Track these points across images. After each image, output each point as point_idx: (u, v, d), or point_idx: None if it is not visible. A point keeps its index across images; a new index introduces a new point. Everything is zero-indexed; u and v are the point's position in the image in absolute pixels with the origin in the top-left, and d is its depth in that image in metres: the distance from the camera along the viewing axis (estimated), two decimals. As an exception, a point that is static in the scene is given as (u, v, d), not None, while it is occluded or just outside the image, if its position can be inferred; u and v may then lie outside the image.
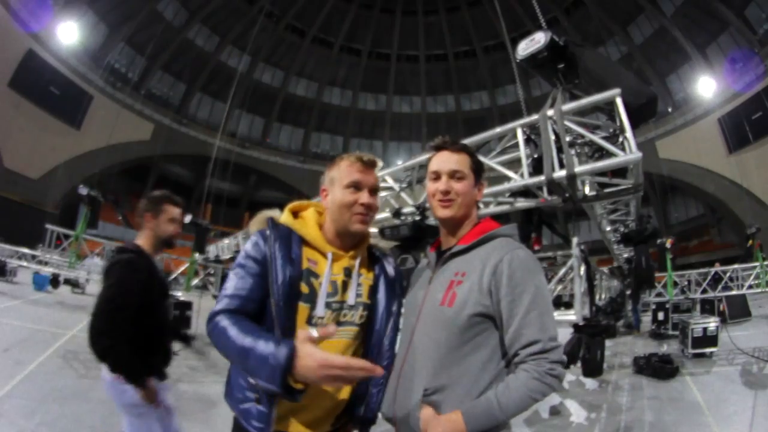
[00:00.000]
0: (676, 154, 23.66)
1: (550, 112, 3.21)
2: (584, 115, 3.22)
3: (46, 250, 8.12)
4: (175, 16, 28.06)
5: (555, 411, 5.13)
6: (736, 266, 10.88)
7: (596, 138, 2.97)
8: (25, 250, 10.42)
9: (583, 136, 3.22)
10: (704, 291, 10.81)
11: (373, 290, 1.44)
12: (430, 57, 34.82)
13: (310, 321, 1.30)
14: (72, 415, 3.79)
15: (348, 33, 33.33)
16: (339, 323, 1.33)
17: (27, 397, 4.18)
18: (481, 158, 4.02)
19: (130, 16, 25.64)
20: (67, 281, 12.91)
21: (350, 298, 1.37)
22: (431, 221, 4.37)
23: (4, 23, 19.53)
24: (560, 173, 2.94)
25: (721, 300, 10.99)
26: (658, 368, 6.81)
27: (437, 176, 1.39)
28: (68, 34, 22.73)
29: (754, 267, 10.52)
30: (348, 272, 1.40)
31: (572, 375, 6.08)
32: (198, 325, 8.80)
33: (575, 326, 4.71)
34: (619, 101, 2.93)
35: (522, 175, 3.27)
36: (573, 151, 3.09)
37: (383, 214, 4.81)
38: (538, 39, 3.22)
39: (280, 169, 32.96)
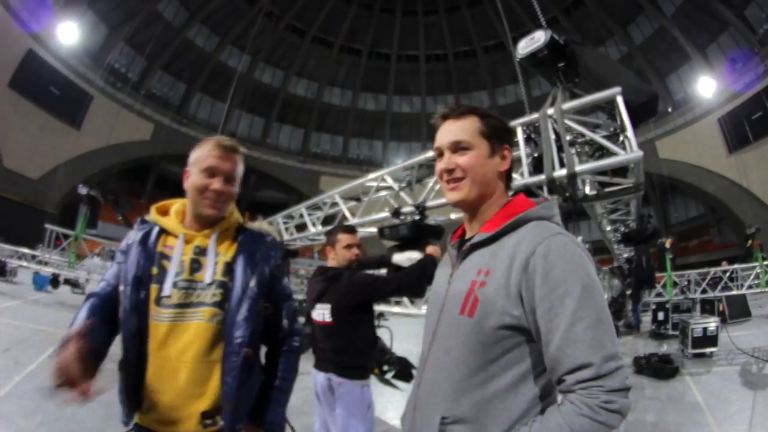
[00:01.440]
0: (676, 154, 23.67)
1: (550, 111, 3.19)
2: (584, 114, 3.21)
3: (45, 250, 8.12)
4: (175, 16, 28.08)
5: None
6: (736, 266, 10.88)
7: (597, 137, 2.96)
8: (25, 250, 10.42)
9: (583, 135, 3.21)
10: (704, 291, 10.81)
11: (228, 268, 1.36)
12: (430, 57, 34.88)
13: (158, 301, 1.30)
14: (71, 416, 3.78)
15: (348, 33, 33.36)
16: (189, 304, 1.31)
17: (27, 397, 4.17)
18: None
19: (131, 16, 25.68)
20: (67, 281, 12.92)
21: (206, 277, 1.33)
22: (431, 221, 4.32)
23: (4, 23, 19.56)
24: (561, 172, 2.92)
25: (720, 300, 10.99)
26: (659, 368, 6.80)
27: (440, 153, 1.12)
28: (68, 34, 22.78)
29: (754, 267, 10.52)
30: (199, 251, 1.38)
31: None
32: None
33: None
34: (619, 100, 2.92)
35: (522, 174, 3.24)
36: (573, 151, 3.07)
37: (382, 214, 4.81)
38: (538, 38, 3.21)
39: (279, 170, 32.98)
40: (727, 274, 10.83)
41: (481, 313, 0.94)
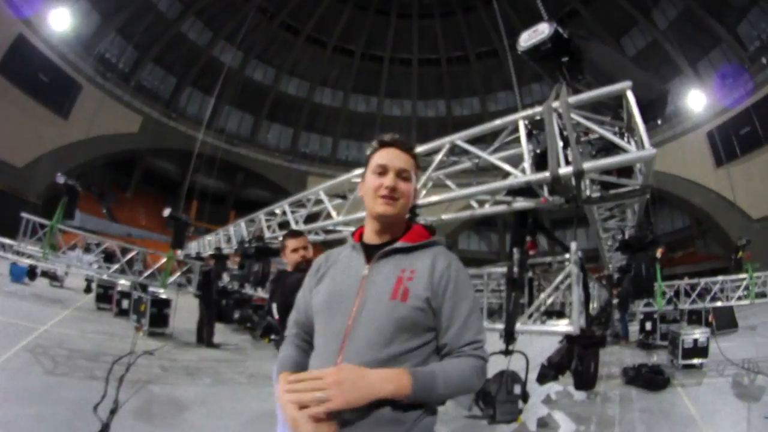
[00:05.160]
0: (664, 166, 23.81)
1: (555, 104, 3.02)
2: (587, 112, 3.06)
3: (21, 240, 7.77)
4: (169, 8, 27.71)
5: (542, 423, 4.97)
6: (725, 277, 10.90)
7: (605, 132, 2.80)
8: (3, 240, 10.00)
9: (587, 133, 3.06)
10: (693, 302, 10.80)
11: None
12: (423, 61, 34.78)
13: None
14: (34, 416, 3.53)
15: (342, 33, 33.19)
16: None
17: (-11, 394, 3.90)
18: (480, 152, 3.84)
19: (124, 5, 25.24)
20: (45, 274, 12.51)
21: None
22: (420, 220, 4.13)
23: (-6, 8, 19.09)
24: (566, 169, 2.74)
25: (708, 311, 11.00)
26: (649, 379, 6.71)
27: (384, 171, 1.34)
28: (60, 20, 22.27)
29: (743, 279, 10.57)
30: None
31: (559, 386, 5.92)
32: (174, 325, 8.52)
33: (567, 337, 4.54)
34: (630, 95, 2.76)
35: (524, 171, 3.06)
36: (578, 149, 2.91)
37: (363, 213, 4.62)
38: (542, 30, 3.05)
39: (267, 168, 32.68)
40: (717, 285, 10.84)
41: (412, 297, 1.21)
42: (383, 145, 1.39)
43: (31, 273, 11.65)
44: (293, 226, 6.08)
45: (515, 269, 3.93)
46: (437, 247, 1.35)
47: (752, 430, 4.53)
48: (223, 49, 29.89)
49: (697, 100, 23.21)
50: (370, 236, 1.38)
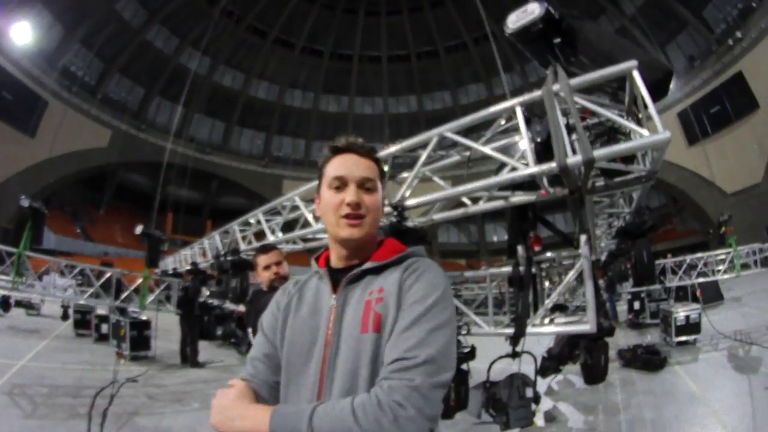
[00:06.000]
0: (639, 147, 24.45)
1: (555, 87, 2.78)
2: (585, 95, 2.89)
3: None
4: (134, 17, 27.05)
5: (550, 417, 4.88)
6: (708, 253, 11.11)
7: (614, 116, 2.63)
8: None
9: (583, 118, 2.88)
10: (681, 278, 10.96)
11: None
12: (393, 57, 34.66)
13: None
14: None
15: (310, 34, 32.85)
16: None
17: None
18: (473, 144, 3.56)
19: (87, 15, 24.49)
20: (20, 303, 11.97)
21: None
22: (410, 222, 3.91)
23: (-51, 24, 18.22)
24: (575, 159, 2.52)
25: (695, 286, 11.16)
26: (647, 360, 6.72)
27: (343, 184, 1.09)
28: (21, 34, 21.51)
29: (727, 253, 10.79)
30: None
31: (560, 375, 5.85)
32: (157, 346, 8.19)
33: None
34: (636, 74, 2.59)
35: (526, 163, 2.81)
36: (574, 136, 2.74)
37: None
38: (532, 10, 2.86)
39: (242, 174, 32.30)
40: (702, 260, 11.02)
41: (384, 325, 0.97)
42: (337, 151, 1.13)
43: (5, 304, 11.12)
44: (269, 237, 5.82)
45: (521, 268, 3.70)
46: (412, 259, 1.08)
47: (759, 403, 4.53)
48: (191, 55, 29.27)
49: (667, 82, 23.75)
50: (336, 261, 1.14)
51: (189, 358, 8.24)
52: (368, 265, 1.07)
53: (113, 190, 30.45)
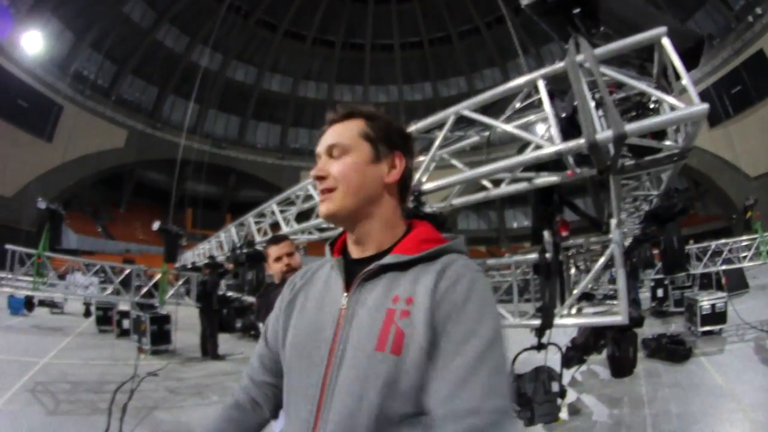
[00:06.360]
0: (658, 130, 23.85)
1: (579, 58, 2.55)
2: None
3: (9, 272, 7.51)
4: (143, 18, 27.27)
5: (574, 410, 4.77)
6: (733, 239, 10.72)
7: (646, 87, 2.42)
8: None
9: (613, 92, 2.64)
10: (705, 265, 10.61)
11: None
12: (405, 45, 34.40)
13: None
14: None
15: (320, 25, 32.74)
16: None
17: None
18: (493, 121, 3.34)
19: (96, 20, 24.87)
20: (43, 302, 12.26)
21: None
22: (428, 208, 3.76)
23: (-39, 37, 18.70)
24: (605, 134, 2.30)
25: (719, 274, 10.83)
26: (672, 351, 6.52)
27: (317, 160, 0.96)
28: (33, 43, 21.95)
29: (753, 239, 10.40)
30: None
31: (584, 366, 5.72)
32: (177, 340, 8.30)
33: None
34: (666, 42, 2.37)
35: (551, 139, 2.59)
36: (600, 112, 2.54)
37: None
38: (548, -22, 2.70)
39: (259, 168, 32.49)
40: (728, 246, 10.66)
41: (408, 347, 0.78)
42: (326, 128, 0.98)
43: (29, 304, 11.38)
44: (283, 227, 5.76)
45: (548, 255, 3.42)
46: (452, 256, 0.87)
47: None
48: (202, 53, 29.43)
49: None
50: (352, 248, 0.95)
51: (209, 350, 8.35)
52: (389, 259, 0.86)
53: (132, 189, 30.95)
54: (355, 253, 0.94)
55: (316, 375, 0.83)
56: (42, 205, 6.61)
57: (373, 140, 0.92)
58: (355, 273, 0.88)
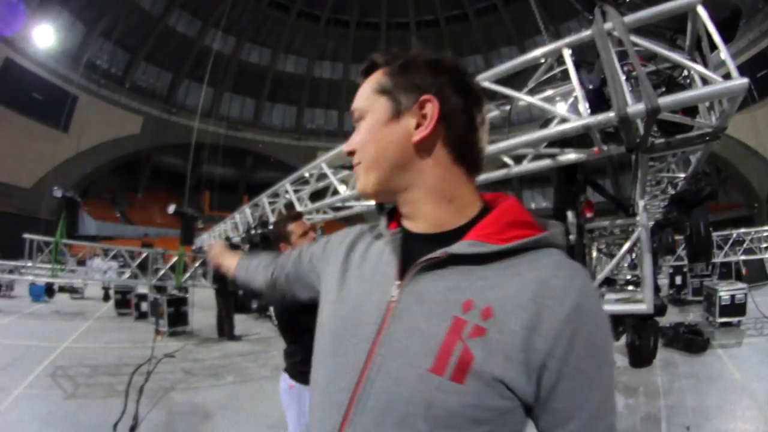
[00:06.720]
0: (679, 114, 23.16)
1: (608, 26, 2.38)
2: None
3: (28, 260, 7.71)
4: (153, 5, 27.19)
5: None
6: (756, 228, 10.43)
7: (681, 58, 2.25)
8: (17, 263, 10.06)
9: (644, 65, 2.48)
10: (726, 254, 10.35)
11: None
12: (421, 23, 33.84)
13: None
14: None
15: (334, 4, 32.33)
16: None
17: (9, 428, 3.76)
18: (516, 93, 3.04)
19: (106, 10, 24.88)
20: (63, 288, 12.56)
21: None
22: None
23: (-26, 34, 19.01)
24: (637, 107, 2.15)
25: (739, 263, 10.57)
26: (689, 341, 6.39)
27: None
28: (45, 36, 22.17)
29: (774, 228, 10.14)
30: None
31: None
32: (194, 321, 8.43)
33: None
34: (701, 10, 2.22)
35: (578, 112, 2.46)
36: (628, 86, 2.37)
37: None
38: (573, -53, 2.55)
39: (275, 149, 32.55)
40: (749, 236, 10.38)
41: (474, 377, 0.57)
42: None
43: (49, 290, 11.64)
44: (297, 207, 5.75)
45: (572, 237, 3.22)
46: (545, 254, 0.64)
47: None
48: (215, 36, 29.35)
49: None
50: (406, 221, 0.74)
51: (225, 331, 8.49)
52: (463, 248, 0.63)
53: (149, 174, 31.30)
54: (411, 226, 0.72)
55: (347, 379, 0.65)
56: (58, 193, 6.72)
57: (389, 91, 0.71)
58: (412, 254, 0.67)
